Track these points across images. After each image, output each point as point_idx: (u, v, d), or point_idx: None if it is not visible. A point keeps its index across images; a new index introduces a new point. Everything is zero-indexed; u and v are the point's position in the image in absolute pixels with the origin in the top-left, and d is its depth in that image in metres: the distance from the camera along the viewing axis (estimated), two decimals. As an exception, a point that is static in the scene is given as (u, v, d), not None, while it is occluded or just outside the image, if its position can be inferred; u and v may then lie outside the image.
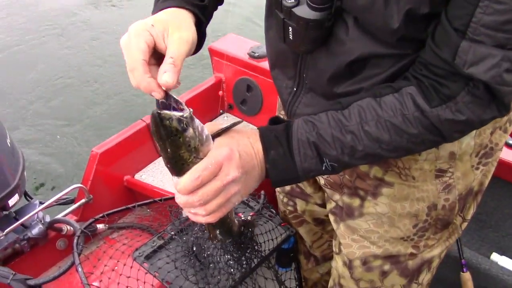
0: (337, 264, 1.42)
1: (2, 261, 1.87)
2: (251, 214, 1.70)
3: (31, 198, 2.21)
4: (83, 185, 2.09)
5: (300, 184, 1.49)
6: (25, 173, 1.93)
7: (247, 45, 2.57)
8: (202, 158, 0.92)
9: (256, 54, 2.48)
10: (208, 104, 2.66)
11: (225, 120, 2.71)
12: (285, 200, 1.62)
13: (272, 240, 1.63)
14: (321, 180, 1.34)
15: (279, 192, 1.65)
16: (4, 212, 1.87)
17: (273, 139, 0.98)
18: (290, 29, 1.00)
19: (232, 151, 0.94)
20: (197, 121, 0.91)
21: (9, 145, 1.85)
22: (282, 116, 1.44)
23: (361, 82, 1.02)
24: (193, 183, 0.90)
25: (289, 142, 0.97)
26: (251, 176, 0.98)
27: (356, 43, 0.98)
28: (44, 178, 3.74)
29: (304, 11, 0.96)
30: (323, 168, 0.99)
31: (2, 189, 1.74)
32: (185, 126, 0.88)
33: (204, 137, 0.92)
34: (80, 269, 1.50)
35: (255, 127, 2.62)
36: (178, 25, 0.94)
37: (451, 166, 1.15)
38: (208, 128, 0.96)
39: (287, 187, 1.57)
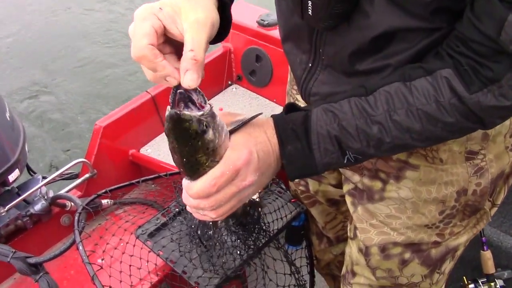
0: (351, 250, 1.32)
1: (5, 237, 1.83)
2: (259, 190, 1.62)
3: (35, 173, 2.15)
4: (86, 159, 2.02)
5: None
6: (26, 147, 1.87)
7: (256, 12, 2.45)
8: (218, 161, 0.83)
9: (266, 22, 2.37)
10: (216, 75, 2.57)
11: (233, 91, 2.61)
12: (297, 179, 1.53)
13: (282, 218, 1.56)
14: None
15: None
16: (6, 188, 1.81)
17: (290, 132, 0.89)
18: (310, 3, 0.88)
19: (251, 154, 0.85)
20: (218, 119, 0.81)
21: (9, 119, 1.78)
22: (295, 92, 1.34)
23: (387, 58, 0.91)
24: (208, 190, 0.82)
25: (308, 137, 0.88)
26: (266, 175, 0.90)
27: (383, 15, 0.87)
28: (48, 153, 3.69)
29: None
30: (345, 161, 0.90)
31: (1, 164, 1.68)
32: (205, 127, 0.78)
33: (223, 136, 0.83)
34: (81, 247, 1.45)
35: (266, 100, 2.55)
36: (193, 5, 0.80)
37: (483, 148, 1.05)
38: (224, 120, 0.85)
39: None
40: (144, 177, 1.78)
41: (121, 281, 1.46)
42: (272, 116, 0.92)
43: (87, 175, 2.02)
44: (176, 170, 1.83)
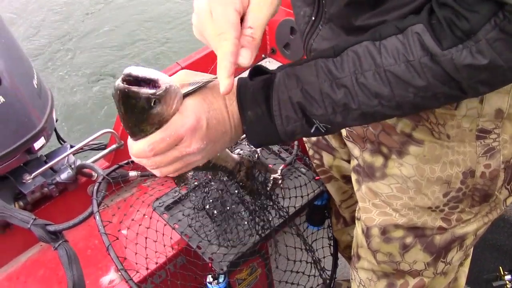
0: (357, 231, 1.25)
1: (31, 205, 1.84)
2: (282, 166, 1.56)
3: (64, 142, 2.17)
4: (114, 130, 2.01)
5: (326, 136, 1.33)
6: (53, 115, 1.86)
7: (292, -18, 2.35)
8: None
9: (302, -7, 2.26)
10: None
11: (267, 65, 2.53)
12: (311, 152, 1.46)
13: (302, 196, 1.49)
14: (343, 131, 1.17)
15: (305, 142, 1.49)
16: (32, 156, 1.81)
17: (250, 97, 0.83)
18: None
19: (199, 121, 0.81)
20: (172, 90, 0.78)
21: (36, 86, 1.77)
22: None
23: (384, 14, 0.82)
24: (145, 154, 0.80)
25: (268, 102, 0.82)
26: (220, 142, 0.86)
27: None
28: (78, 122, 3.74)
29: None
30: (313, 130, 0.82)
31: (27, 131, 1.68)
32: (153, 104, 0.76)
33: (174, 104, 0.80)
34: (97, 217, 1.44)
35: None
36: None
37: (497, 127, 0.94)
38: (183, 79, 0.83)
39: (313, 138, 1.40)
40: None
41: (136, 253, 1.45)
42: (237, 79, 0.85)
43: (114, 146, 2.00)
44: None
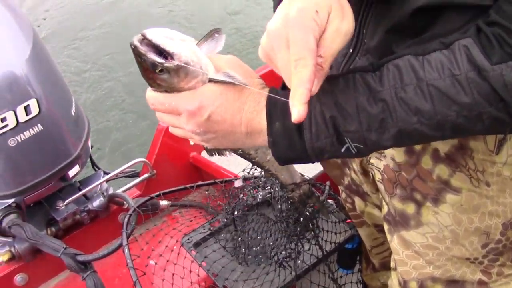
0: (393, 282, 1.20)
1: (63, 231, 1.87)
2: (314, 207, 1.54)
3: (98, 168, 2.20)
4: (147, 159, 2.03)
5: (357, 180, 1.29)
6: (89, 143, 1.90)
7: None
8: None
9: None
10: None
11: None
12: (344, 195, 1.42)
13: (331, 232, 1.46)
14: (377, 173, 1.13)
15: (339, 184, 1.45)
16: (66, 183, 1.84)
17: (280, 107, 0.79)
18: None
19: (200, 109, 0.81)
20: (191, 72, 0.80)
21: (73, 114, 1.81)
22: None
23: (427, 42, 0.78)
24: (149, 104, 0.86)
25: None
26: (225, 138, 0.86)
27: None
28: (112, 149, 3.79)
29: None
30: (343, 149, 0.78)
31: (62, 159, 1.71)
32: (160, 71, 0.80)
33: (192, 83, 0.81)
34: (126, 251, 1.44)
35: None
36: (340, 12, 0.73)
37: None
38: (218, 63, 0.85)
39: (345, 180, 1.37)
40: (203, 181, 1.76)
41: (163, 289, 1.44)
42: (269, 89, 0.83)
43: (146, 175, 2.02)
44: (231, 178, 1.79)
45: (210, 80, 0.82)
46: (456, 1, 0.75)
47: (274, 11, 0.80)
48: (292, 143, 0.80)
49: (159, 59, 0.78)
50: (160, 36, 0.79)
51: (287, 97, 0.78)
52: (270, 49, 0.74)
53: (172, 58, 0.79)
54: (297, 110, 0.68)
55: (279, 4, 0.78)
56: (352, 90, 0.75)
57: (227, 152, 0.96)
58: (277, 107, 0.80)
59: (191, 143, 1.10)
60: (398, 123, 0.74)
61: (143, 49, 0.78)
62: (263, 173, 1.32)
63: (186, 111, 0.81)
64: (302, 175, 1.20)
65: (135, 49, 0.78)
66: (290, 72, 0.70)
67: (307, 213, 1.32)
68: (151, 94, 0.85)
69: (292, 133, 0.79)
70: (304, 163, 0.84)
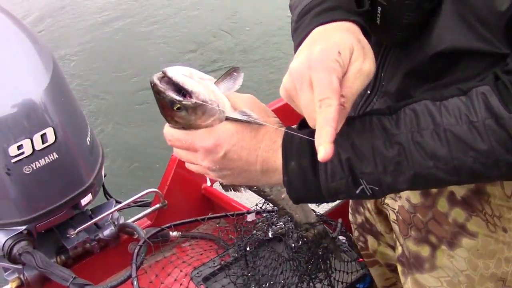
0: None
1: (72, 259, 1.86)
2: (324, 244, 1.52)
3: (111, 197, 2.20)
4: (159, 190, 2.03)
5: (370, 219, 1.28)
6: (102, 172, 1.91)
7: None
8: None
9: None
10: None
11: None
12: (356, 233, 1.41)
13: (342, 272, 1.44)
14: (392, 214, 1.12)
15: (351, 222, 1.44)
16: (78, 211, 1.84)
17: (296, 146, 0.79)
18: (379, 9, 0.81)
19: (216, 147, 0.80)
20: (208, 110, 0.81)
21: (89, 143, 1.82)
22: None
23: (446, 87, 0.78)
24: (167, 139, 0.86)
25: (314, 154, 0.76)
26: (241, 176, 0.85)
27: (447, 31, 0.77)
28: (124, 177, 3.80)
29: None
30: (358, 191, 0.77)
31: (75, 188, 1.72)
32: (177, 109, 0.81)
33: (209, 121, 0.82)
34: (135, 283, 1.43)
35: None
36: (362, 52, 0.74)
37: None
38: (236, 102, 0.85)
39: (358, 219, 1.36)
40: (214, 213, 1.76)
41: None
42: (286, 127, 0.83)
43: (157, 206, 2.03)
44: (243, 211, 1.79)
45: (227, 119, 0.82)
46: (474, 48, 0.75)
47: (295, 51, 0.81)
48: (307, 183, 0.79)
49: (177, 97, 0.79)
50: (180, 74, 0.80)
51: (300, 134, 0.79)
52: (292, 89, 0.74)
53: (191, 96, 0.80)
54: (324, 149, 0.68)
55: (299, 45, 0.79)
56: (368, 132, 0.76)
57: (242, 189, 0.96)
58: (293, 146, 0.80)
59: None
60: (414, 166, 0.74)
61: (162, 86, 0.79)
62: (275, 208, 1.31)
63: (202, 148, 0.81)
64: (316, 214, 1.19)
65: (154, 87, 0.80)
66: (313, 111, 0.70)
67: (320, 253, 1.30)
68: (168, 130, 0.86)
69: (307, 173, 0.79)
70: (319, 202, 0.84)
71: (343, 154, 0.76)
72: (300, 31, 0.82)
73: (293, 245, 1.30)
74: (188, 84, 0.80)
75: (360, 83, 0.73)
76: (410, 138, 0.73)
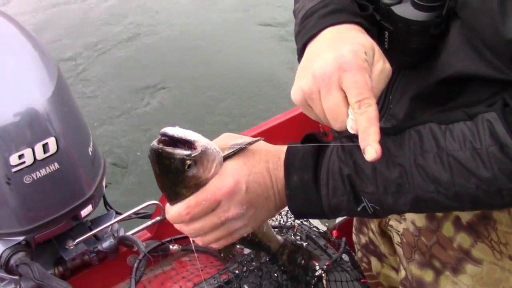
0: None
1: (70, 271, 1.83)
2: (327, 263, 1.50)
3: (111, 208, 2.18)
4: (160, 202, 2.01)
5: (374, 240, 1.26)
6: (103, 183, 1.89)
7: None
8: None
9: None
10: (303, 129, 2.49)
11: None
12: (360, 254, 1.39)
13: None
14: (396, 236, 1.10)
15: (355, 243, 1.42)
16: (78, 222, 1.82)
17: (299, 161, 0.78)
18: (386, 34, 0.80)
19: (237, 184, 0.77)
20: (210, 153, 0.77)
21: (90, 153, 1.81)
22: None
23: (452, 111, 0.77)
24: (182, 218, 0.77)
25: (316, 169, 0.77)
26: (263, 209, 0.81)
27: (455, 56, 0.76)
28: (125, 187, 3.78)
29: (406, 10, 0.76)
30: (359, 208, 0.76)
31: (76, 199, 1.70)
32: (187, 167, 0.75)
33: (213, 168, 0.78)
34: (133, 299, 1.40)
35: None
36: (382, 53, 0.75)
37: None
38: (223, 142, 0.81)
39: (362, 239, 1.34)
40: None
41: None
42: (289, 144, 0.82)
43: (158, 218, 2.00)
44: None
45: (225, 159, 0.80)
46: (482, 74, 0.74)
47: (300, 53, 0.80)
48: (309, 198, 0.78)
49: (186, 152, 0.75)
50: (175, 129, 0.77)
51: (307, 150, 0.78)
52: (314, 92, 0.73)
53: (194, 148, 0.76)
54: (374, 148, 0.68)
55: (304, 46, 0.79)
56: None
57: (237, 247, 0.96)
58: (295, 160, 0.79)
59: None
60: (415, 189, 0.73)
61: (169, 149, 0.74)
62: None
63: (225, 194, 0.77)
64: (319, 232, 1.17)
65: (162, 152, 0.74)
66: (341, 114, 0.70)
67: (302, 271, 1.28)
68: (178, 207, 0.77)
69: (309, 188, 0.78)
70: (321, 218, 0.83)
71: (345, 170, 0.75)
72: (304, 32, 0.81)
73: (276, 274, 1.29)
74: (188, 135, 0.77)
75: (383, 83, 0.73)
76: (412, 161, 0.72)
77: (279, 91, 4.86)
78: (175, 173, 0.75)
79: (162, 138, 0.76)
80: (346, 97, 0.70)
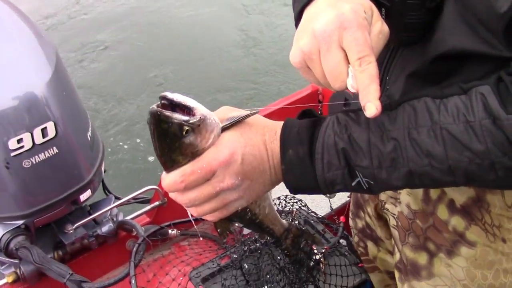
0: None
1: (70, 255, 1.85)
2: (325, 247, 1.51)
3: (110, 193, 2.18)
4: (159, 187, 2.01)
5: (371, 224, 1.27)
6: (102, 168, 1.89)
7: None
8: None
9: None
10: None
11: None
12: (356, 239, 1.40)
13: (342, 276, 1.43)
14: (392, 220, 1.11)
15: (352, 227, 1.43)
16: (77, 206, 1.83)
17: (294, 135, 0.78)
18: (383, 11, 0.79)
19: (233, 155, 0.77)
20: (208, 122, 0.77)
21: (89, 138, 1.81)
22: None
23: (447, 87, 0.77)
24: (177, 186, 0.77)
25: (311, 143, 0.77)
26: (258, 182, 0.81)
27: (450, 33, 0.75)
28: (124, 173, 3.79)
29: None
30: (354, 183, 0.76)
31: (75, 183, 1.70)
32: (185, 132, 0.75)
33: (211, 138, 0.78)
34: (133, 281, 1.42)
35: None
36: (379, 15, 0.74)
37: None
38: (221, 114, 0.81)
39: (359, 224, 1.34)
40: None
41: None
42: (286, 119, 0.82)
43: (157, 203, 2.00)
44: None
45: (223, 130, 0.80)
46: (477, 50, 0.74)
47: (297, 18, 0.79)
48: (304, 172, 0.78)
49: (185, 117, 0.75)
50: (175, 94, 0.77)
51: (303, 124, 0.79)
52: (314, 52, 0.72)
53: (193, 114, 0.76)
54: (374, 105, 0.68)
55: (302, 10, 0.78)
56: (365, 126, 0.75)
57: (236, 224, 0.96)
58: (291, 134, 0.79)
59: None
60: (408, 163, 0.73)
61: (168, 112, 0.74)
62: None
63: (220, 163, 0.77)
64: (317, 217, 1.17)
65: (161, 115, 0.74)
66: (341, 73, 0.70)
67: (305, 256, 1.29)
68: (173, 174, 0.77)
69: (305, 162, 0.78)
70: (316, 193, 0.83)
71: (339, 144, 0.75)
72: None
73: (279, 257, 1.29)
74: (188, 101, 0.77)
75: (381, 44, 0.73)
76: (406, 135, 0.72)
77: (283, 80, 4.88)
78: (172, 138, 0.75)
79: (162, 102, 0.76)
80: (346, 56, 0.70)
